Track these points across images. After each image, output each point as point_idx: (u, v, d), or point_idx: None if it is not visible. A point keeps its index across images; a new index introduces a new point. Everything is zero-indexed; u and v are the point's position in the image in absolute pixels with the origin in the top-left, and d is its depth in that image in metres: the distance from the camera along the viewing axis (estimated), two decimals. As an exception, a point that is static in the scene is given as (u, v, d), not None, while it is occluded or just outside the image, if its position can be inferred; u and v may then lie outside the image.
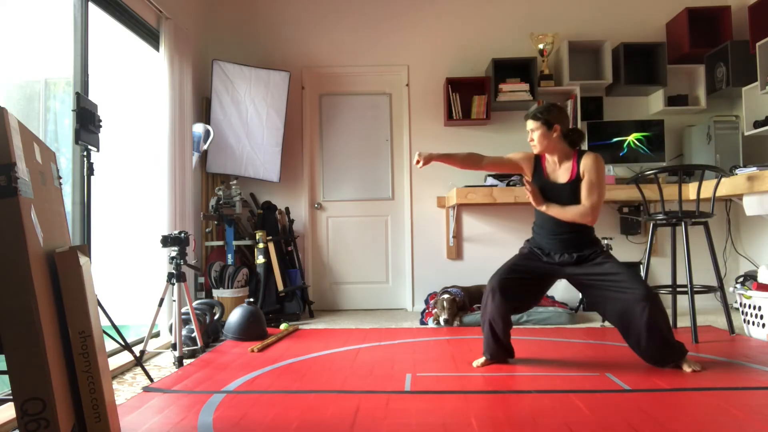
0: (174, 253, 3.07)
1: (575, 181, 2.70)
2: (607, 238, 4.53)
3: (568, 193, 2.70)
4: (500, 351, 2.79)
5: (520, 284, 2.73)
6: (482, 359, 2.81)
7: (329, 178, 5.01)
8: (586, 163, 2.68)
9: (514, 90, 4.61)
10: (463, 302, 4.08)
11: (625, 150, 4.61)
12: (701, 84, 4.61)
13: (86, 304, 1.61)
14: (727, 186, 3.55)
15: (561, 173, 2.75)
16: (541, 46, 4.71)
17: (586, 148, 4.54)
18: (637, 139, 4.61)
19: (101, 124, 2.67)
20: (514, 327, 3.90)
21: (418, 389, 2.38)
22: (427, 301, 4.61)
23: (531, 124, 2.74)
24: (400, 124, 5.00)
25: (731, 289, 3.58)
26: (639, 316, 2.52)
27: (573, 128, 2.78)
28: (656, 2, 4.88)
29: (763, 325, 3.24)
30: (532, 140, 2.75)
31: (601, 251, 2.70)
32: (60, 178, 1.93)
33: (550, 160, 2.79)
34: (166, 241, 3.05)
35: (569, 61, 4.62)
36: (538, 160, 2.83)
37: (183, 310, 3.32)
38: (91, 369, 1.60)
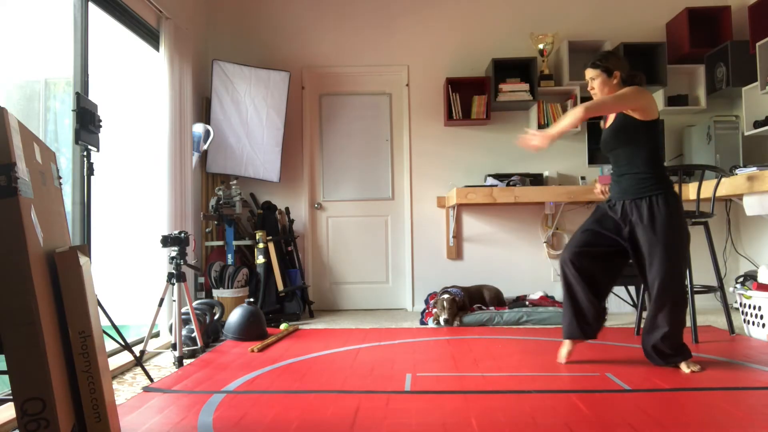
0: (174, 253, 3.07)
1: (616, 117, 2.68)
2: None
3: (610, 135, 2.68)
4: (579, 327, 2.74)
5: (592, 258, 2.71)
6: (565, 348, 2.80)
7: (329, 178, 5.02)
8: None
9: (514, 90, 4.61)
10: (463, 302, 4.08)
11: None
12: (701, 84, 4.61)
13: (86, 304, 1.61)
14: (727, 186, 3.55)
15: (612, 116, 2.74)
16: (541, 46, 4.71)
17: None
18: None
19: (101, 124, 2.67)
20: (514, 327, 3.90)
21: (418, 389, 2.38)
22: (427, 301, 4.61)
23: (591, 72, 2.72)
24: (400, 124, 5.00)
25: (731, 289, 3.58)
26: (649, 312, 2.56)
27: (633, 73, 2.74)
28: (656, 2, 4.89)
29: (763, 325, 3.24)
30: (592, 89, 2.73)
31: (658, 202, 2.55)
32: (60, 178, 1.93)
33: None
34: (166, 241, 3.05)
35: (569, 61, 4.62)
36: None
37: (183, 310, 3.32)
38: (91, 369, 1.60)
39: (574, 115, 2.50)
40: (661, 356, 2.62)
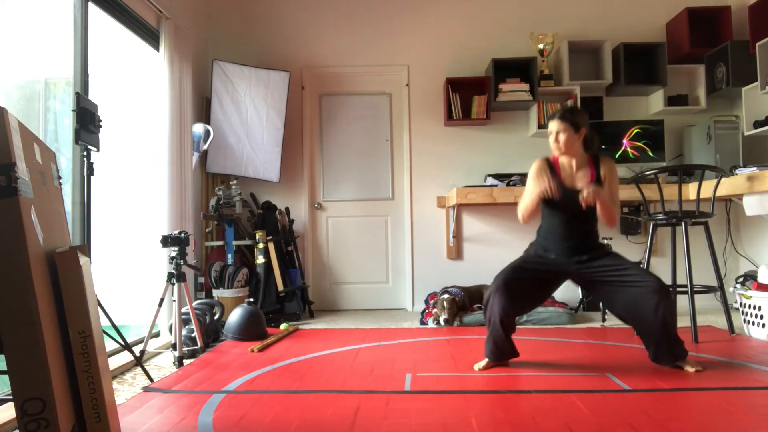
0: (174, 253, 3.07)
1: (594, 181, 2.68)
2: (607, 238, 4.52)
3: None
4: (503, 353, 2.74)
5: (526, 284, 2.69)
6: (484, 362, 2.76)
7: (329, 178, 5.01)
8: (608, 168, 2.70)
9: (514, 90, 4.61)
10: (463, 302, 4.08)
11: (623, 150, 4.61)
12: (701, 84, 4.61)
13: (86, 304, 1.61)
14: (727, 186, 3.55)
15: (579, 178, 2.71)
16: (541, 46, 4.71)
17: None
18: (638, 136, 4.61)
19: (101, 124, 2.67)
20: (514, 327, 3.90)
21: (418, 389, 2.38)
22: (427, 301, 4.61)
23: (558, 125, 2.66)
24: (400, 124, 5.00)
25: (731, 289, 3.58)
26: (653, 308, 2.49)
27: (593, 133, 2.75)
28: (656, 2, 4.88)
29: (763, 325, 3.24)
30: (557, 141, 2.68)
31: (607, 252, 2.71)
32: (60, 178, 1.93)
33: (566, 165, 2.74)
34: (166, 241, 3.05)
35: (569, 61, 4.62)
36: (551, 167, 2.77)
37: (183, 310, 3.32)
38: (91, 369, 1.60)
39: (602, 203, 2.57)
40: (672, 356, 2.60)
